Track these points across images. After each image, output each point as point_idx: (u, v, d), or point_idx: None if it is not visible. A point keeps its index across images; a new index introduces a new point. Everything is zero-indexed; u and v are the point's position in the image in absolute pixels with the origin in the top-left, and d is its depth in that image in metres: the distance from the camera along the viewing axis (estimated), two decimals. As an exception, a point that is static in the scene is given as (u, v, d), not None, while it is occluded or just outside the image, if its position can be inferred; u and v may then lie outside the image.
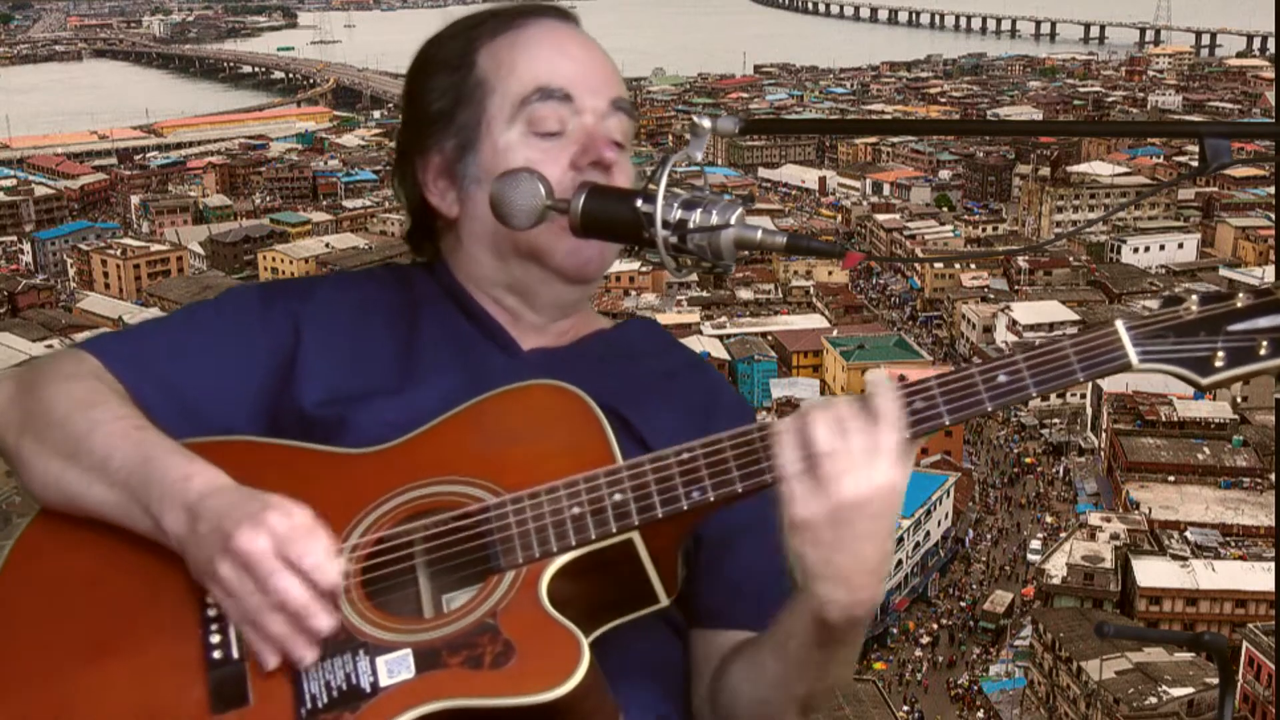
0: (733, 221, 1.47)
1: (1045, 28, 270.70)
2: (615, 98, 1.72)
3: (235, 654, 1.44)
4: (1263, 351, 1.41)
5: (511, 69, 1.69)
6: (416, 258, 1.86)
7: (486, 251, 1.73)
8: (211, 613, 1.46)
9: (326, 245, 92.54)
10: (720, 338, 74.62)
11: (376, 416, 1.59)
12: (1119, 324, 1.44)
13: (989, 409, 1.45)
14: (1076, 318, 73.91)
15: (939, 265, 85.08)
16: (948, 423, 1.44)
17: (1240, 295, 1.44)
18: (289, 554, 1.36)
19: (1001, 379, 1.44)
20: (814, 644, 1.50)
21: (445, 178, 1.74)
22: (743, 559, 1.70)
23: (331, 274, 1.84)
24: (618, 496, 1.46)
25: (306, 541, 1.38)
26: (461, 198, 1.73)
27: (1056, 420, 72.16)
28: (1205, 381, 1.43)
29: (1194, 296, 1.45)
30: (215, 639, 1.45)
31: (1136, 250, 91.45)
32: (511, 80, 1.69)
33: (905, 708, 48.46)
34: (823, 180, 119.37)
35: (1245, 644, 45.07)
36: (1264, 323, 1.41)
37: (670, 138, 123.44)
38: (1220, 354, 1.42)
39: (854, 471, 1.39)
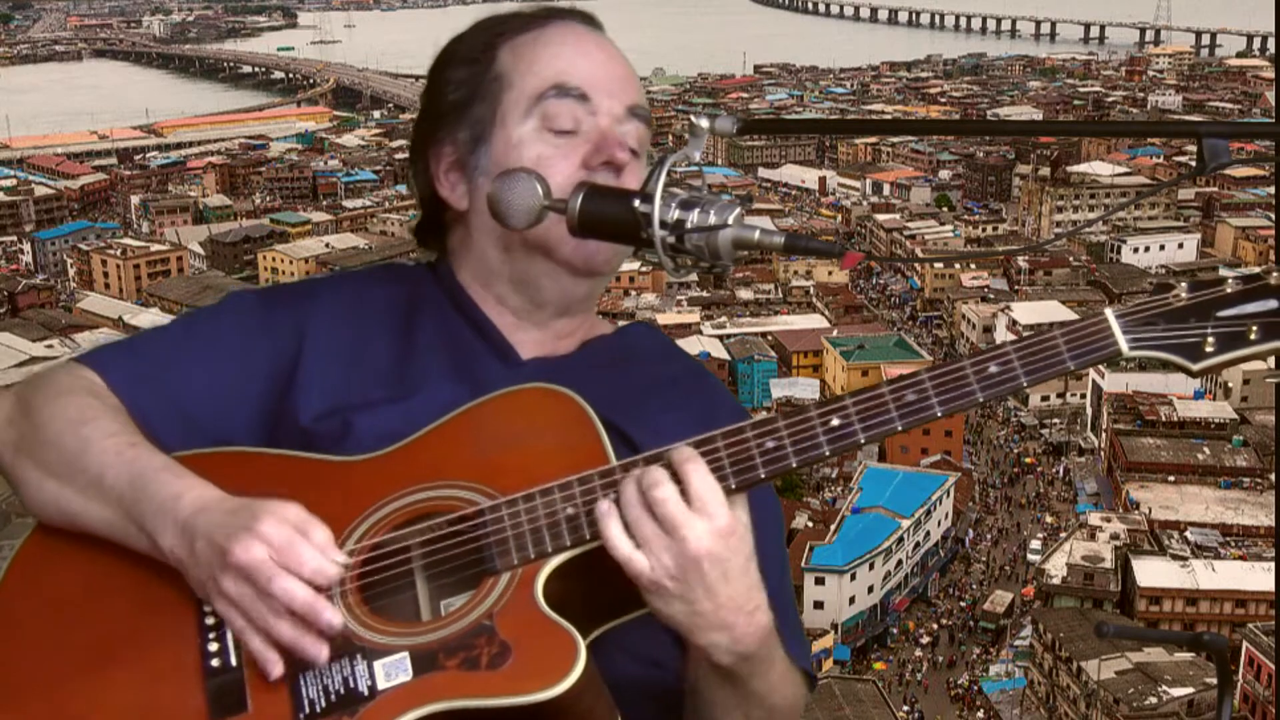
0: (730, 221, 1.46)
1: (1045, 28, 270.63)
2: (633, 104, 1.71)
3: (233, 661, 1.44)
4: (1253, 336, 1.40)
5: (531, 65, 1.69)
6: (422, 256, 1.85)
7: (494, 245, 1.72)
8: (209, 621, 1.47)
9: (326, 245, 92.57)
10: (720, 338, 74.62)
11: (374, 425, 1.59)
12: (1108, 312, 1.45)
13: (980, 399, 1.44)
14: (1076, 318, 73.70)
15: (939, 265, 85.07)
16: (939, 414, 1.44)
17: (1230, 281, 1.43)
18: (288, 562, 1.38)
19: (993, 369, 1.44)
20: (721, 685, 1.51)
21: (457, 170, 1.73)
22: None
23: (333, 276, 1.83)
24: (612, 495, 1.46)
25: (303, 547, 1.40)
26: (471, 190, 1.72)
27: (1056, 420, 72.15)
28: (1196, 367, 1.43)
29: (1183, 284, 1.44)
30: (213, 647, 1.46)
31: (1136, 250, 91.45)
32: (530, 76, 1.68)
33: (905, 708, 48.42)
34: (823, 180, 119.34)
35: (1245, 644, 45.06)
36: (1253, 308, 1.41)
37: (670, 138, 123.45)
38: (1211, 339, 1.41)
39: (679, 529, 1.39)
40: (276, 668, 1.41)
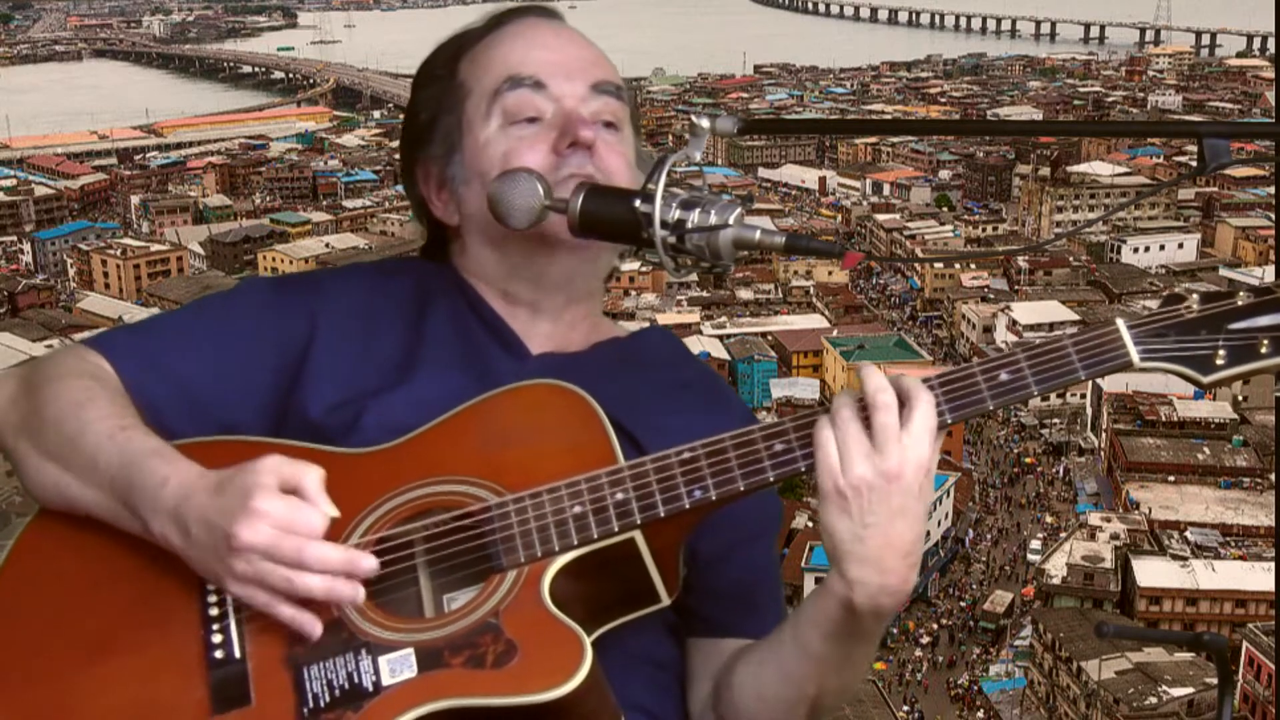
0: (731, 221, 1.46)
1: (1045, 28, 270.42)
2: (596, 81, 1.70)
3: (236, 653, 1.43)
4: (1264, 350, 1.42)
5: (486, 68, 1.71)
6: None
7: (485, 247, 1.73)
8: (213, 612, 1.45)
9: (326, 245, 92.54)
10: (720, 338, 74.59)
11: (381, 416, 1.58)
12: (1120, 322, 1.45)
13: (990, 407, 1.45)
14: (1076, 318, 73.86)
15: (939, 265, 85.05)
16: (949, 421, 1.44)
17: (1241, 294, 1.44)
18: (297, 532, 1.38)
19: (1003, 377, 1.45)
20: (835, 636, 1.51)
21: (441, 187, 1.75)
22: (741, 569, 1.70)
23: (345, 267, 1.84)
24: (620, 495, 1.45)
25: (303, 511, 1.39)
26: (456, 201, 1.73)
27: (1056, 420, 72.12)
28: (1207, 380, 1.44)
29: (1195, 295, 1.45)
30: (216, 638, 1.44)
31: (1136, 250, 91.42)
32: (486, 77, 1.70)
33: (905, 708, 48.43)
34: (823, 180, 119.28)
35: (1245, 644, 45.06)
36: (1265, 321, 1.42)
37: (670, 138, 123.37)
38: (1221, 352, 1.43)
39: (888, 443, 1.40)
40: (317, 626, 1.40)
